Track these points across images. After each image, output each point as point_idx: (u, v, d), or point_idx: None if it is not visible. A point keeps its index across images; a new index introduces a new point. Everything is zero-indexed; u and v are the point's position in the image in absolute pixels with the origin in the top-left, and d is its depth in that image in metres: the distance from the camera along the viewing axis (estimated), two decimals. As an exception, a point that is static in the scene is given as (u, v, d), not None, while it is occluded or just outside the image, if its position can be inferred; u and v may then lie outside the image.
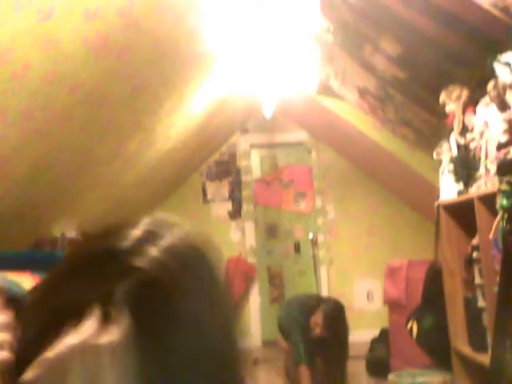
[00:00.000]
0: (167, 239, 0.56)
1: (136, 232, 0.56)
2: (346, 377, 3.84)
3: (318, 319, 3.68)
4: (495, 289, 2.30)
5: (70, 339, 0.46)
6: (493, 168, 2.46)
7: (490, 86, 2.44)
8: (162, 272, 0.52)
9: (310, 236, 5.22)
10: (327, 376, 3.79)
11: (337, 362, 3.78)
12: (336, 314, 3.73)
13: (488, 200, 2.41)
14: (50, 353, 0.46)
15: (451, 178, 3.06)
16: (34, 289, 0.56)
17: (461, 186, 2.97)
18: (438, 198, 3.17)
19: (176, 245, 0.56)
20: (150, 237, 0.55)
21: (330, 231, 6.00)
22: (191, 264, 0.55)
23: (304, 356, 3.65)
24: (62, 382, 0.45)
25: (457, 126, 2.93)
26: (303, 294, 4.53)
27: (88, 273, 0.52)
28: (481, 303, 2.73)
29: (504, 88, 2.33)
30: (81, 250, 0.57)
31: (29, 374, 0.45)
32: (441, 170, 3.17)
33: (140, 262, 0.52)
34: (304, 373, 3.64)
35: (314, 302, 3.90)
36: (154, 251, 0.54)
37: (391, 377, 3.47)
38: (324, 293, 5.69)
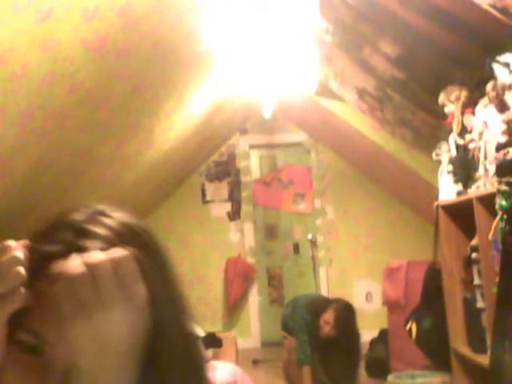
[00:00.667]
0: (119, 216, 0.59)
1: (87, 207, 0.60)
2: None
3: (329, 317, 3.59)
4: (494, 289, 2.30)
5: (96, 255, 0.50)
6: (492, 169, 2.47)
7: (489, 86, 2.44)
8: (122, 242, 0.55)
9: (309, 237, 5.22)
10: (331, 380, 3.73)
11: (345, 368, 3.69)
12: (348, 314, 3.65)
13: (487, 201, 2.41)
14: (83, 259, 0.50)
15: (450, 178, 3.06)
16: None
17: (460, 186, 2.97)
18: (437, 198, 3.17)
19: (129, 221, 0.60)
20: (102, 212, 0.59)
21: (329, 232, 6.00)
22: (146, 240, 0.59)
23: (310, 357, 3.61)
24: (96, 290, 0.49)
25: (456, 127, 2.93)
26: (310, 294, 4.49)
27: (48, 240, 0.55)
28: (480, 304, 2.73)
29: (503, 89, 2.33)
30: (43, 223, 0.60)
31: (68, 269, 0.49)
32: (440, 171, 3.17)
33: (98, 229, 0.56)
34: (307, 374, 3.60)
35: (322, 302, 3.82)
36: (110, 222, 0.58)
37: (390, 378, 3.47)
38: (323, 294, 5.69)
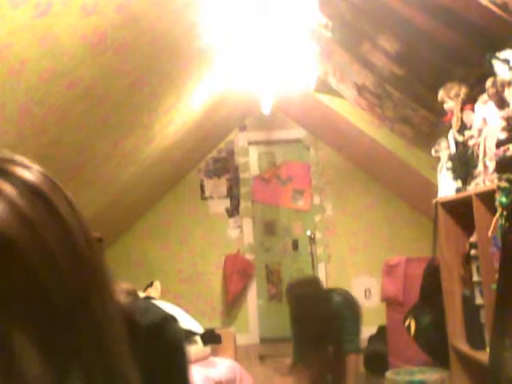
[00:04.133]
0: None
1: None
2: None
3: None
4: (493, 286, 2.29)
5: None
6: (491, 165, 2.46)
7: (489, 83, 2.43)
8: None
9: (308, 233, 5.21)
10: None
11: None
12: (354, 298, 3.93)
13: (486, 197, 2.40)
14: None
15: (449, 175, 3.05)
16: None
17: (459, 183, 2.97)
18: (436, 195, 3.17)
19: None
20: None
21: (327, 228, 6.00)
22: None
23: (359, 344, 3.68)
24: None
25: (455, 124, 2.92)
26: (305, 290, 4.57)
27: None
28: (478, 300, 2.73)
29: (502, 85, 2.32)
30: None
31: None
32: (439, 168, 3.17)
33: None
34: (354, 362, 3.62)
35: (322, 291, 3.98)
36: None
37: (389, 374, 3.46)
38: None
